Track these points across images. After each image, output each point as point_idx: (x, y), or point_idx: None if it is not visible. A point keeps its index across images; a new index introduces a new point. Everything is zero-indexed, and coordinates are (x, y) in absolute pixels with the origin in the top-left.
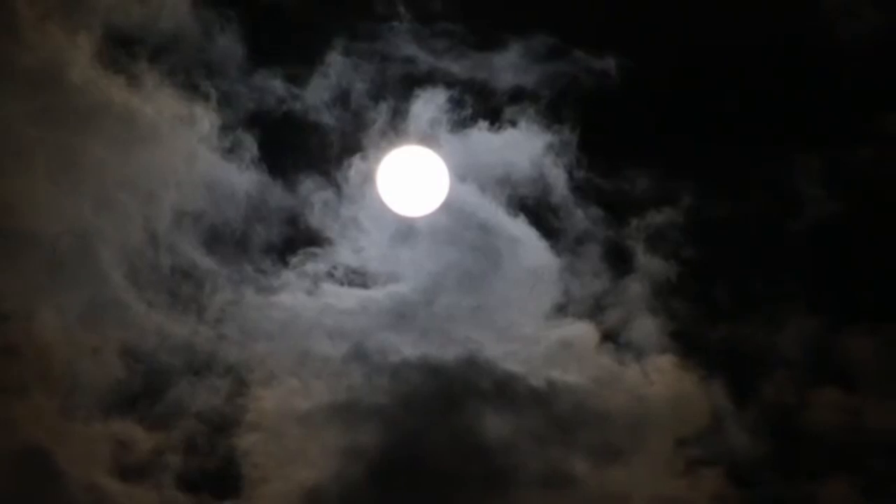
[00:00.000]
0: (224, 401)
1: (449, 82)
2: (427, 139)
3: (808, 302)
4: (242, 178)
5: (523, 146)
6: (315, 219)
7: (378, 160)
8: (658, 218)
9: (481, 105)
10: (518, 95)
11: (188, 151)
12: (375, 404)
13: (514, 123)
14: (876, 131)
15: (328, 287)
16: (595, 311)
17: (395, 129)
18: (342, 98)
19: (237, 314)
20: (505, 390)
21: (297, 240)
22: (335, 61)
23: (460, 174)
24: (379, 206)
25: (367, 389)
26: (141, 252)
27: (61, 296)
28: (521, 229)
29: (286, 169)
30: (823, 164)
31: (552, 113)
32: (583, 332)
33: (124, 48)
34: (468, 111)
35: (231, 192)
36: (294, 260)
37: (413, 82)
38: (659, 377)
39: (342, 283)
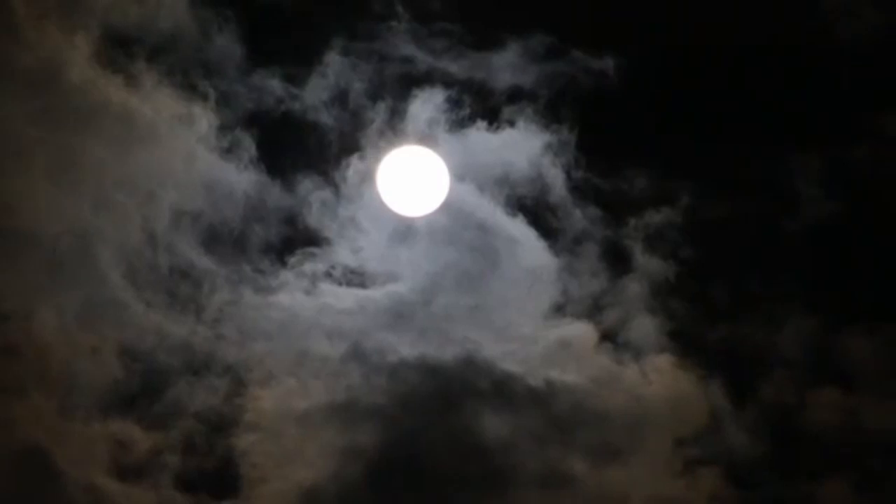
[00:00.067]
0: (222, 401)
1: (447, 82)
2: (425, 139)
3: (806, 302)
4: (241, 178)
5: (521, 146)
6: (313, 219)
7: (376, 160)
8: (656, 218)
9: (479, 105)
10: (516, 95)
11: (186, 151)
12: (374, 404)
13: (512, 123)
14: (874, 131)
15: (326, 287)
16: (593, 310)
17: (394, 129)
18: (340, 98)
19: (235, 314)
20: (503, 390)
21: (295, 240)
22: (333, 61)
23: (458, 174)
24: (377, 206)
25: (365, 389)
26: (139, 252)
27: (60, 296)
28: (519, 229)
29: (284, 169)
30: (822, 164)
31: (550, 113)
32: (581, 331)
33: (122, 48)
34: (466, 111)
35: (229, 192)
36: (292, 260)
37: (411, 82)
38: (657, 377)
39: (340, 283)
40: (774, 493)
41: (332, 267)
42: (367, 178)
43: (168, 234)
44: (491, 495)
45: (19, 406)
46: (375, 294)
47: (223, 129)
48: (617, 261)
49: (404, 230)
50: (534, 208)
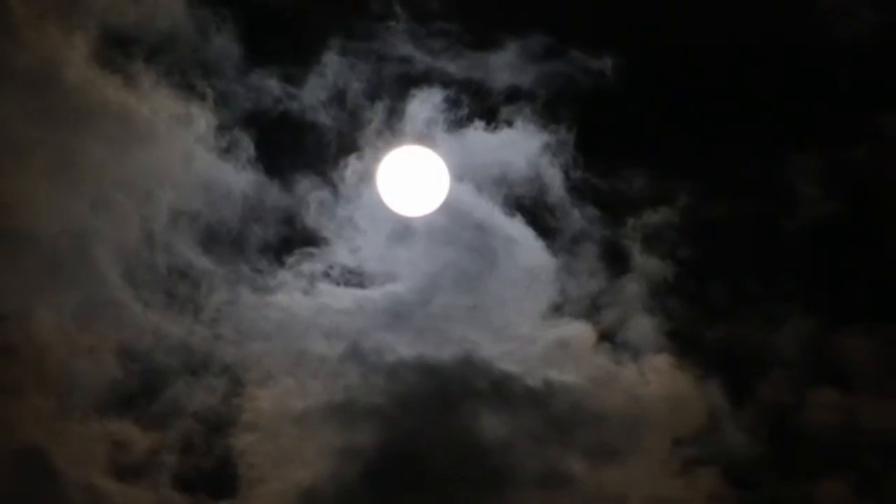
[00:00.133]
0: (220, 401)
1: (445, 82)
2: (423, 139)
3: (805, 302)
4: (239, 178)
5: (520, 146)
6: (311, 219)
7: (375, 160)
8: (654, 217)
9: (478, 105)
10: (514, 95)
11: (185, 151)
12: (372, 404)
13: (510, 123)
14: (873, 131)
15: (324, 287)
16: (592, 310)
17: (392, 129)
18: (338, 98)
19: (234, 314)
20: (501, 390)
21: (293, 239)
22: (331, 61)
23: (457, 174)
24: (375, 206)
25: (363, 389)
26: (137, 252)
27: (58, 295)
28: (517, 229)
29: (283, 169)
30: (820, 164)
31: (549, 113)
32: (579, 331)
33: (121, 48)
34: (464, 111)
35: (227, 192)
36: (290, 260)
37: (409, 82)
38: (655, 377)
39: (338, 283)
40: (773, 493)
41: (331, 267)
42: (366, 177)
43: (166, 233)
44: (489, 495)
45: (17, 406)
46: (374, 294)
47: (221, 128)
48: (615, 261)
49: (402, 230)
50: (532, 208)
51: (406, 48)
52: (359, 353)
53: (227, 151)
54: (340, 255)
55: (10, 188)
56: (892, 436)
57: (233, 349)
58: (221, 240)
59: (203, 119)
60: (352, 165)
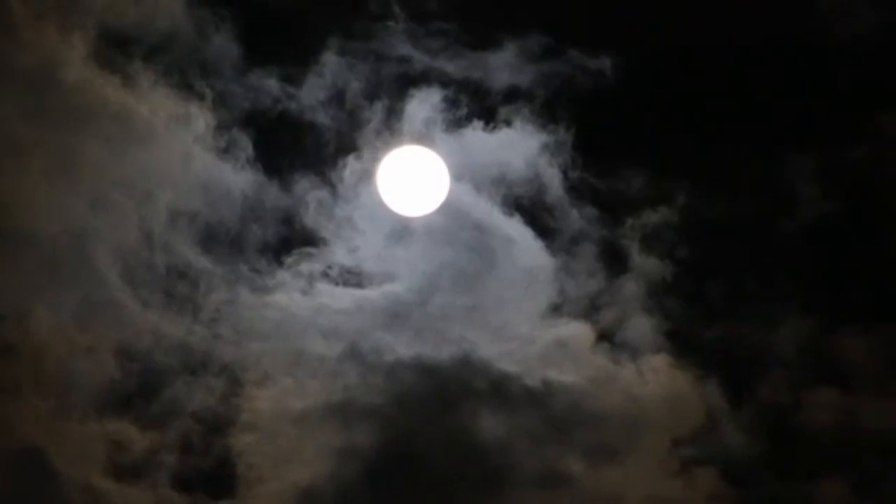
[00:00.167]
0: (219, 400)
1: (444, 82)
2: (422, 139)
3: (803, 302)
4: (238, 178)
5: (518, 146)
6: (310, 218)
7: (373, 160)
8: (653, 217)
9: (476, 105)
10: (513, 95)
11: (183, 151)
12: (370, 404)
13: (509, 123)
14: (871, 131)
15: (323, 287)
16: (590, 310)
17: (391, 129)
18: (337, 98)
19: (232, 314)
20: (500, 390)
21: (292, 239)
22: (330, 61)
23: (455, 174)
24: (374, 206)
25: (362, 389)
26: (136, 252)
27: (57, 295)
28: (516, 229)
29: (281, 169)
30: (819, 164)
31: (547, 112)
32: (578, 331)
33: (119, 48)
34: (463, 111)
35: (226, 192)
36: (289, 260)
37: (408, 82)
38: (654, 377)
39: (337, 283)
40: (771, 492)
41: (329, 267)
42: (364, 177)
43: (165, 233)
44: (488, 495)
45: (16, 406)
46: (372, 294)
47: (220, 128)
48: (614, 261)
49: (401, 230)
50: (531, 208)
51: (405, 48)
52: (357, 353)
53: (225, 151)
54: (339, 255)
55: (8, 188)
56: (891, 435)
57: (231, 349)
58: (220, 240)
59: (202, 119)
60: (350, 165)
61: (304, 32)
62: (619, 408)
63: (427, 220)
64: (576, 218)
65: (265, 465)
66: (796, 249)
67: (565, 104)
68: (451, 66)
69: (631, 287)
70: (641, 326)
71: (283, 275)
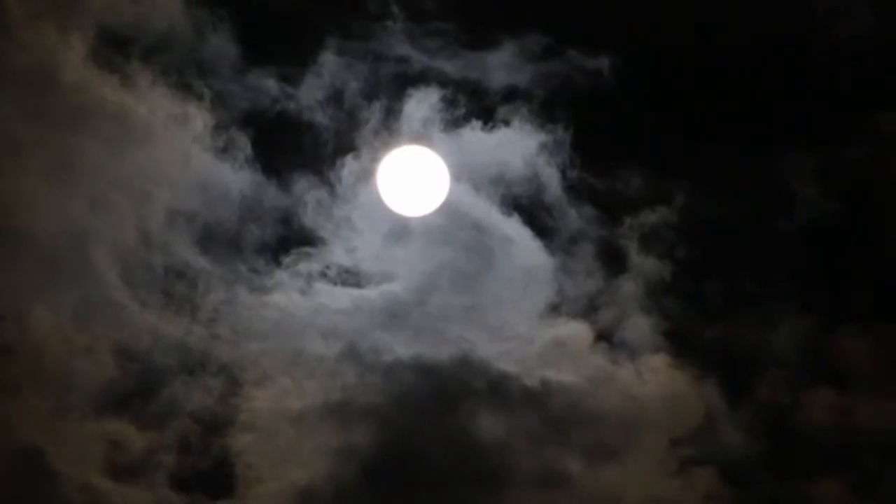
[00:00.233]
0: (217, 400)
1: (442, 82)
2: (420, 138)
3: (801, 302)
4: (236, 178)
5: (517, 145)
6: (308, 218)
7: (372, 159)
8: (651, 217)
9: (475, 104)
10: (511, 95)
11: (182, 151)
12: (369, 404)
13: (507, 123)
14: (869, 131)
15: (321, 287)
16: (589, 310)
17: (389, 129)
18: (335, 97)
19: (230, 314)
20: (498, 390)
21: (290, 239)
22: (328, 61)
23: (454, 173)
24: (373, 206)
25: (360, 389)
26: (134, 252)
27: (55, 295)
28: (514, 229)
29: (280, 168)
30: (817, 164)
31: (545, 112)
32: (576, 331)
33: (118, 48)
34: (461, 110)
35: (224, 192)
36: (287, 259)
37: (406, 82)
38: (652, 377)
39: (335, 283)
40: (769, 492)
41: (328, 267)
42: (363, 177)
43: (163, 233)
44: (486, 495)
45: (14, 405)
46: (370, 294)
47: (218, 128)
48: (612, 260)
49: (400, 230)
50: (529, 208)
51: (403, 48)
52: (356, 353)
53: (224, 151)
54: (337, 254)
55: (7, 188)
56: (889, 435)
57: (230, 349)
58: (218, 240)
59: (200, 119)
60: (349, 165)
61: (303, 32)
62: (617, 407)
63: (425, 219)
64: (574, 217)
65: (264, 465)
66: (795, 249)
67: (564, 104)
68: (450, 66)
69: (629, 287)
70: (640, 326)
71: (281, 275)
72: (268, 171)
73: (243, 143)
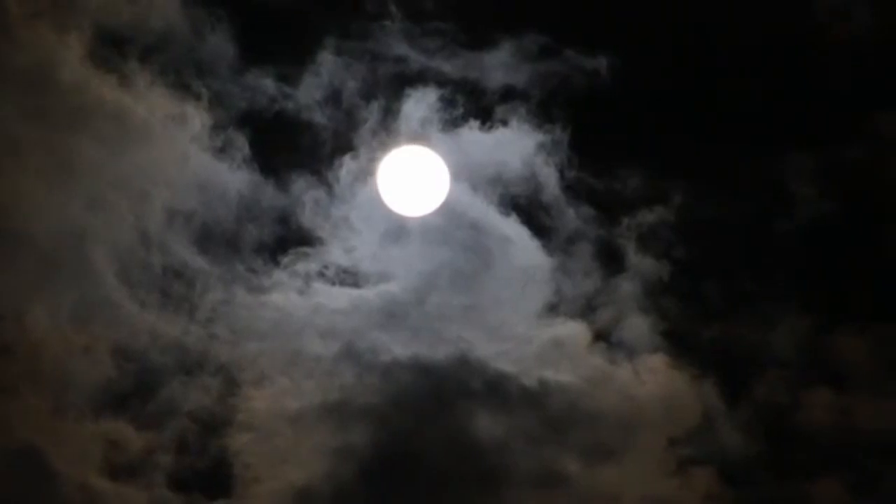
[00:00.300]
0: (215, 400)
1: (440, 81)
2: (418, 138)
3: (799, 302)
4: (234, 178)
5: (515, 145)
6: (306, 218)
7: (369, 159)
8: (649, 217)
9: (473, 104)
10: (509, 94)
11: (180, 151)
12: (367, 404)
13: (505, 123)
14: (868, 131)
15: (319, 286)
16: (587, 310)
17: (387, 129)
18: (334, 97)
19: (229, 314)
20: (497, 390)
21: (288, 239)
22: (327, 60)
23: (451, 173)
24: (371, 206)
25: (358, 389)
26: (132, 251)
27: (53, 295)
28: (512, 228)
29: (278, 168)
30: (815, 164)
31: (543, 112)
32: (574, 331)
33: (115, 48)
34: (459, 110)
35: (223, 192)
36: (285, 259)
37: (404, 81)
38: (651, 377)
39: (333, 283)
40: (768, 492)
41: (326, 266)
42: (361, 177)
43: (161, 233)
44: (485, 495)
45: (12, 405)
46: (368, 294)
47: (216, 128)
48: (610, 260)
49: (398, 230)
50: (527, 208)
51: (401, 48)
52: (354, 353)
53: (222, 151)
54: (336, 254)
55: (4, 188)
56: (887, 436)
57: (228, 349)
58: (216, 239)
59: (198, 119)
60: (347, 165)
61: (301, 32)
62: (615, 407)
63: (423, 219)
64: (572, 217)
65: (261, 464)
66: (793, 249)
67: (561, 104)
68: (448, 66)
69: (627, 287)
70: (638, 326)
71: (279, 275)
72: (266, 170)
73: (241, 142)
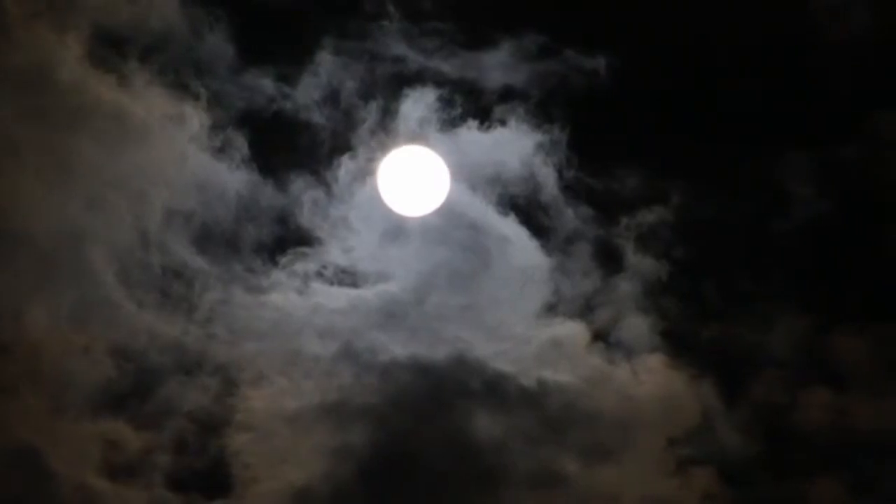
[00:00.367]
0: (214, 400)
1: (439, 81)
2: (417, 138)
3: (798, 301)
4: (233, 178)
5: (513, 145)
6: (305, 218)
7: (368, 159)
8: (648, 217)
9: (471, 104)
10: (508, 94)
11: (178, 151)
12: (365, 404)
13: (503, 123)
14: (865, 131)
15: (318, 286)
16: (585, 310)
17: (385, 129)
18: (332, 97)
19: (227, 314)
20: (495, 390)
21: (287, 239)
22: (325, 60)
23: (450, 173)
24: (370, 206)
25: (356, 389)
26: (131, 251)
27: (51, 295)
28: (511, 228)
29: (276, 168)
30: (813, 164)
31: (542, 112)
32: (573, 331)
33: (114, 47)
34: (458, 110)
35: (221, 192)
36: (284, 259)
37: (403, 81)
38: (649, 377)
39: (332, 283)
40: (767, 492)
41: (324, 266)
42: (359, 177)
43: (160, 233)
44: (483, 495)
45: (11, 405)
46: (367, 294)
47: (215, 128)
48: (609, 260)
49: (396, 230)
50: (526, 208)
51: (399, 48)
52: (352, 353)
53: (220, 151)
54: (334, 254)
55: (4, 188)
56: (886, 436)
57: (226, 349)
58: (215, 239)
59: (197, 119)
60: (345, 165)
61: (299, 32)
62: (614, 407)
63: (422, 219)
64: (571, 217)
65: (260, 464)
66: (791, 249)
67: (560, 104)
68: (446, 66)
69: (626, 287)
70: (636, 326)
71: (278, 274)
72: (264, 170)
73: (240, 142)
